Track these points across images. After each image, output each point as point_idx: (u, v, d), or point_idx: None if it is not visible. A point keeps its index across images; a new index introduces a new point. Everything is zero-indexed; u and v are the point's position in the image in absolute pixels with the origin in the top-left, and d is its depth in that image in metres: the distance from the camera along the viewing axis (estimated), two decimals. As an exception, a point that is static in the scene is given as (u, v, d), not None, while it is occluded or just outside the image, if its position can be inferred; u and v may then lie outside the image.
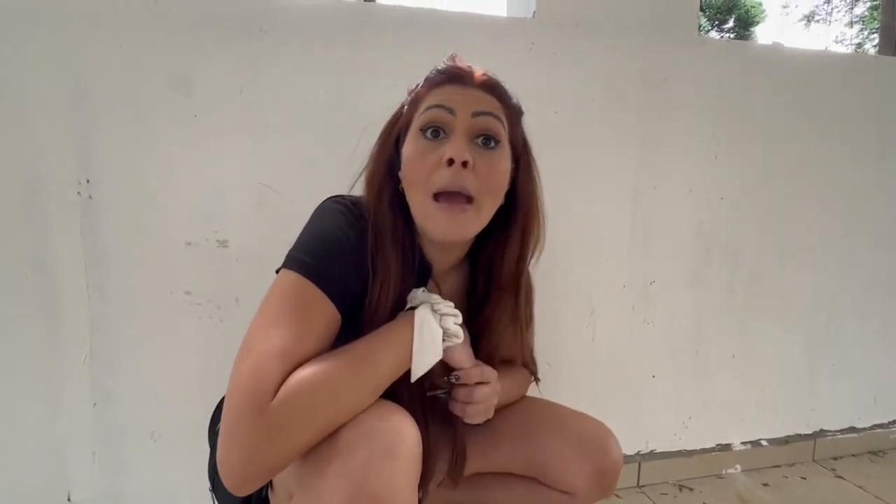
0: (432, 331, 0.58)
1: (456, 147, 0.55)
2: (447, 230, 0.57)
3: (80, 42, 0.88)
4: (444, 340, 0.60)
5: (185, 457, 0.99)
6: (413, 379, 0.58)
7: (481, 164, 0.57)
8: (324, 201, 0.64)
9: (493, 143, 0.59)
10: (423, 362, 0.57)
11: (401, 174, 0.62)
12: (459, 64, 0.62)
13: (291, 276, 0.55)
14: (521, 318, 0.74)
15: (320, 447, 0.50)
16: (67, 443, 0.96)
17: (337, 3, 0.98)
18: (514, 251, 0.67)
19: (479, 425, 0.70)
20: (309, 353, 0.52)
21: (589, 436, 0.74)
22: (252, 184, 0.97)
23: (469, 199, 0.57)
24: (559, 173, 1.12)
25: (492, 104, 0.60)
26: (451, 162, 0.55)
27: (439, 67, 0.62)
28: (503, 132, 0.60)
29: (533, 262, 0.70)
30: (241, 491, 0.49)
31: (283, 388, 0.49)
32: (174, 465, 1.00)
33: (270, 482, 0.64)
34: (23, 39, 0.86)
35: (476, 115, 0.57)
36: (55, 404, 0.94)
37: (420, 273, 0.65)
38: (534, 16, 1.09)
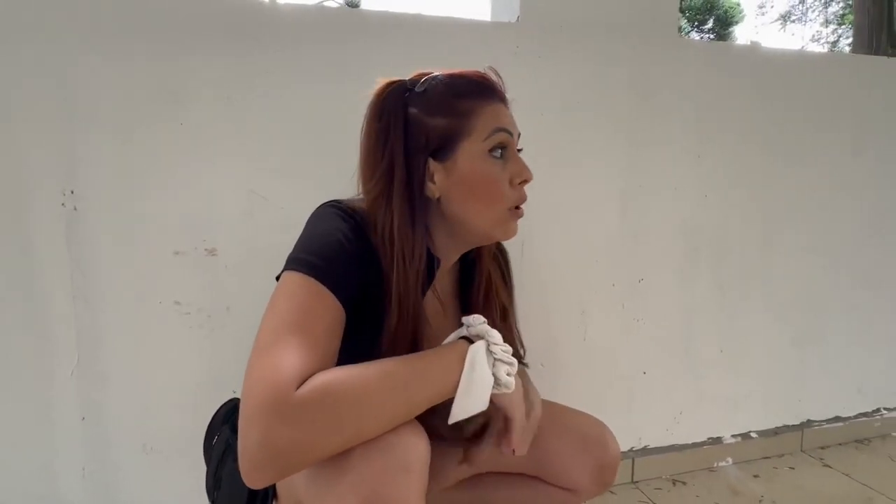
0: (482, 378, 0.56)
1: (527, 169, 0.64)
2: (514, 232, 0.66)
3: (65, 51, 0.87)
4: (507, 374, 0.58)
5: (179, 469, 0.97)
6: (450, 422, 0.55)
7: (532, 175, 0.66)
8: (319, 207, 0.64)
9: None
10: (464, 408, 0.55)
11: (440, 184, 0.62)
12: (493, 78, 0.65)
13: (296, 277, 0.55)
14: (511, 309, 0.77)
15: (332, 459, 0.49)
16: (56, 459, 0.94)
17: (324, 10, 0.98)
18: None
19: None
20: (321, 349, 0.52)
21: (588, 432, 0.76)
22: (240, 191, 0.97)
23: None
24: (547, 175, 1.14)
25: None
26: (524, 182, 0.64)
27: (477, 79, 0.63)
28: None
29: None
30: (254, 479, 0.47)
31: (309, 384, 0.47)
32: (168, 478, 0.98)
33: (275, 493, 0.64)
34: (8, 50, 0.85)
35: (518, 135, 0.67)
36: (42, 420, 0.93)
37: (429, 271, 0.66)
38: (518, 20, 1.10)
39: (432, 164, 0.61)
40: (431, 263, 0.65)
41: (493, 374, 0.57)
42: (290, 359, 0.49)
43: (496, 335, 0.59)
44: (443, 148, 0.61)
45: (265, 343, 0.51)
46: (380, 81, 0.64)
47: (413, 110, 0.62)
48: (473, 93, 0.62)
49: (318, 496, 0.51)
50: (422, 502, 0.50)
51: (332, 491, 0.49)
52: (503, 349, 0.59)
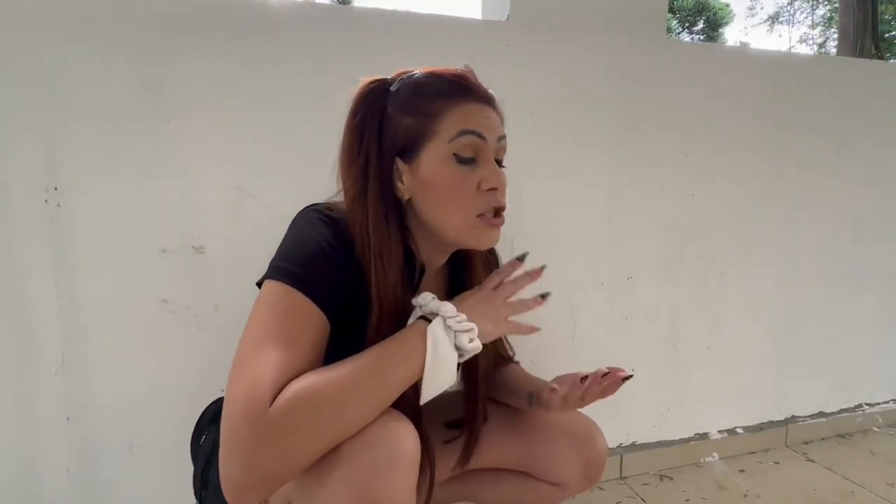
0: (446, 354, 0.56)
1: (497, 175, 0.60)
2: (491, 241, 0.62)
3: (48, 45, 0.86)
4: (459, 356, 0.58)
5: (165, 469, 0.97)
6: (421, 402, 0.55)
7: (503, 182, 0.62)
8: (301, 211, 0.63)
9: (504, 162, 0.64)
10: (434, 387, 0.55)
11: (408, 185, 0.61)
12: (472, 79, 0.62)
13: (278, 287, 0.54)
14: None
15: (321, 456, 0.49)
16: (40, 459, 0.93)
17: (313, 6, 0.97)
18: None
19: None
20: (303, 361, 0.51)
21: (576, 428, 0.76)
22: (228, 188, 0.96)
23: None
24: (536, 173, 1.14)
25: (501, 123, 0.64)
26: (493, 189, 0.60)
27: (451, 78, 0.61)
28: None
29: None
30: (242, 503, 0.47)
31: (283, 396, 0.47)
32: (155, 478, 0.97)
33: None
34: (-17, 43, 0.83)
35: (499, 139, 0.62)
36: (26, 420, 0.91)
37: (412, 276, 0.65)
38: (508, 19, 1.10)
39: (400, 165, 0.61)
40: (418, 268, 0.65)
41: (457, 346, 0.57)
42: (267, 373, 0.48)
43: (449, 307, 0.58)
44: (408, 149, 0.60)
45: (244, 358, 0.50)
46: (362, 80, 0.63)
47: (389, 109, 0.61)
48: (443, 93, 0.60)
49: (307, 494, 0.51)
50: (412, 497, 0.51)
51: (322, 488, 0.48)
52: (458, 320, 0.58)
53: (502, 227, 0.63)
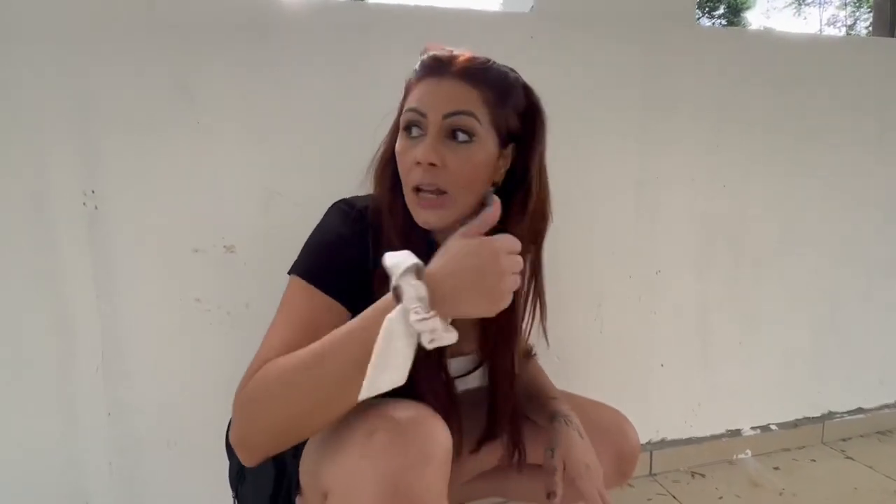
0: (400, 348, 0.45)
1: (423, 149, 0.59)
2: (425, 221, 0.62)
3: (81, 51, 0.88)
4: (430, 342, 0.45)
5: (202, 464, 0.99)
6: (357, 400, 0.46)
7: (452, 159, 0.59)
8: (331, 205, 0.67)
9: (464, 137, 0.60)
10: (376, 382, 0.45)
11: None
12: (438, 53, 0.62)
13: (295, 282, 0.61)
14: (527, 300, 0.75)
15: (355, 450, 0.50)
16: (83, 454, 0.96)
17: (334, 4, 0.97)
18: (517, 230, 0.62)
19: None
20: (301, 342, 0.55)
21: (608, 423, 0.76)
22: (257, 188, 0.97)
23: (443, 192, 0.60)
24: (562, 166, 1.12)
25: (465, 97, 0.59)
26: (419, 163, 0.59)
27: (422, 57, 0.63)
28: (477, 124, 0.60)
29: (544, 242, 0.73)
30: (243, 459, 0.54)
31: (256, 374, 0.53)
32: (192, 473, 1.00)
33: (299, 486, 0.65)
34: (25, 50, 0.86)
35: (446, 116, 0.59)
36: (69, 416, 0.95)
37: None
38: (531, 10, 1.09)
39: None
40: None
41: (417, 329, 0.45)
42: (258, 355, 0.55)
43: (413, 294, 0.45)
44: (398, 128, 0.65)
45: (260, 347, 0.57)
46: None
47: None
48: (416, 73, 0.63)
49: (343, 486, 0.51)
50: (444, 491, 0.51)
51: (356, 483, 0.49)
52: (420, 318, 0.44)
53: (442, 209, 0.60)
